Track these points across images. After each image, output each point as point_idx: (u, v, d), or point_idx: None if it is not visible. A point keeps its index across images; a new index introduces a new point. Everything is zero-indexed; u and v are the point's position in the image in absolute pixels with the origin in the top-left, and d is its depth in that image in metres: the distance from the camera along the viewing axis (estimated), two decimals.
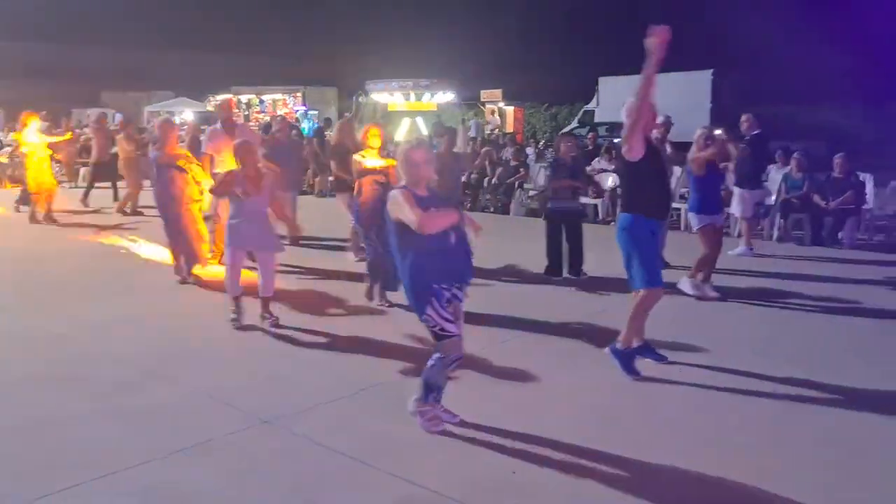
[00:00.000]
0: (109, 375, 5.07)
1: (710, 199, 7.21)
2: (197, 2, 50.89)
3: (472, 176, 13.90)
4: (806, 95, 28.50)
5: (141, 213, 12.45)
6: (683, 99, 25.35)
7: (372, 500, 3.50)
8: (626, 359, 5.01)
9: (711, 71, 25.62)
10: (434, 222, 3.81)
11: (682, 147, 8.10)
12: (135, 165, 13.13)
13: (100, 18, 45.99)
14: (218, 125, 8.31)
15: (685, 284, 7.10)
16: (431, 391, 4.09)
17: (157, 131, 7.72)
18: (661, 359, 5.20)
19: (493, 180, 14.00)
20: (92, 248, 9.69)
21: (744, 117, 9.52)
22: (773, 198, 10.52)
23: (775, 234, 10.32)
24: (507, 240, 8.59)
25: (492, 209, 12.97)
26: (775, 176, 10.96)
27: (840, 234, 9.76)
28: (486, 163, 13.56)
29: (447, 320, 3.94)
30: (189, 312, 6.72)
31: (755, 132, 9.33)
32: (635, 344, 5.07)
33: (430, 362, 4.06)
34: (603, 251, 7.66)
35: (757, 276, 7.98)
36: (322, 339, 5.85)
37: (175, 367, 5.23)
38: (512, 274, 8.22)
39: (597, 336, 5.82)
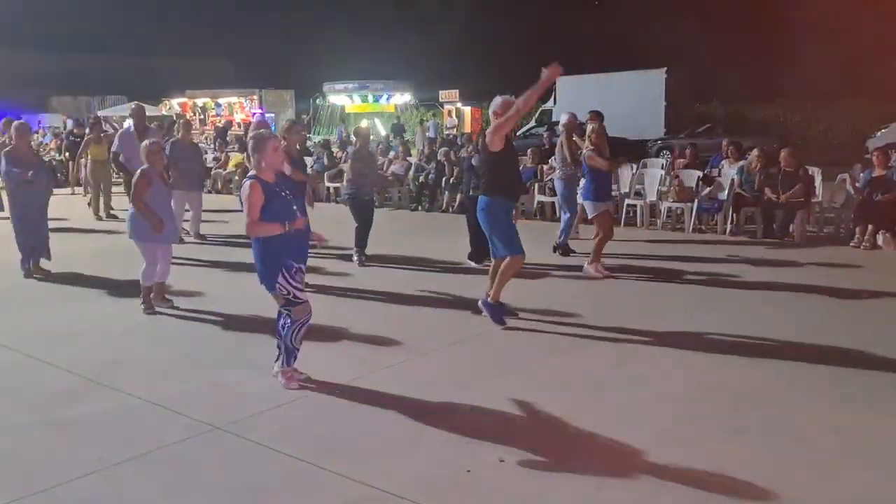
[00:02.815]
0: (48, 385, 4.90)
1: (601, 187, 7.91)
2: (149, 5, 49.97)
3: (430, 176, 13.86)
4: (757, 92, 29.10)
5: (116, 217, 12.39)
6: (638, 97, 25.73)
7: (322, 502, 3.42)
8: (495, 310, 6.03)
9: (665, 69, 25.96)
10: (258, 231, 4.40)
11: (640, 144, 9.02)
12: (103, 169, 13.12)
13: (50, 23, 44.85)
14: (130, 128, 9.10)
15: (589, 270, 7.82)
16: (291, 354, 4.65)
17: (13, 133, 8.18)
18: (514, 314, 6.17)
19: (452, 179, 13.97)
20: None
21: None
22: (726, 192, 10.68)
23: (728, 228, 10.47)
24: (463, 237, 8.64)
25: (451, 209, 12.92)
26: (727, 171, 11.13)
27: (791, 228, 9.94)
28: (445, 162, 13.53)
29: (297, 288, 4.51)
30: (131, 320, 6.54)
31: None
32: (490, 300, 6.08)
33: (283, 330, 4.61)
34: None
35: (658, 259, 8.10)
36: (268, 346, 5.72)
37: (117, 376, 5.06)
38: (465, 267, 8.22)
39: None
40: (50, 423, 4.30)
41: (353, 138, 13.77)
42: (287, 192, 4.53)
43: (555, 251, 8.96)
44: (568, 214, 9.07)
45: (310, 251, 4.87)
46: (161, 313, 6.60)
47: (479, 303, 6.21)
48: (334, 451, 3.88)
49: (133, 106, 10.34)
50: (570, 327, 6.03)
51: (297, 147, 8.12)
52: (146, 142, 6.83)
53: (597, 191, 7.87)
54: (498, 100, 6.01)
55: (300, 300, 4.54)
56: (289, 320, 4.58)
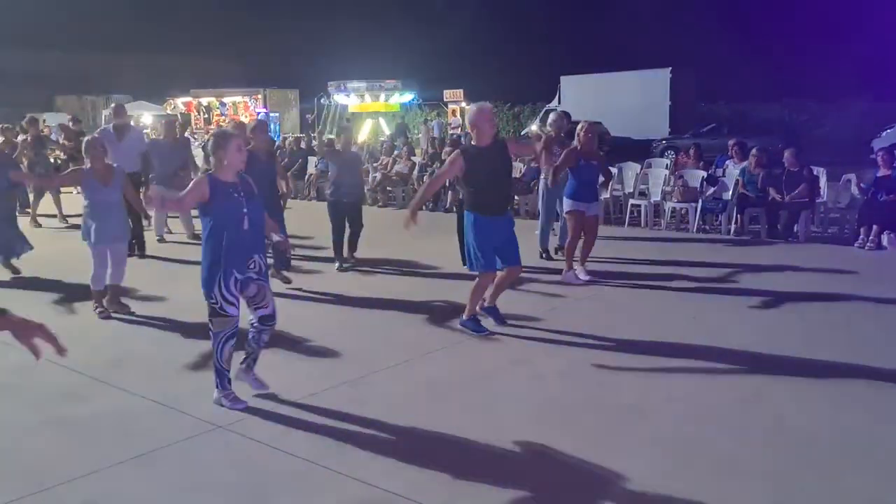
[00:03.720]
0: (55, 383, 4.92)
1: (582, 187, 7.68)
2: (155, 4, 50.06)
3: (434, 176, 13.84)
4: (762, 92, 29.04)
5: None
6: (642, 97, 25.72)
7: (324, 501, 3.43)
8: (473, 323, 5.88)
9: (669, 69, 25.92)
10: (170, 206, 4.75)
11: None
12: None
13: (54, 22, 44.97)
14: (109, 127, 9.06)
15: (580, 273, 7.63)
16: (222, 376, 4.45)
17: None
18: (502, 322, 6.02)
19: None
20: (35, 256, 9.42)
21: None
22: (730, 193, 10.66)
23: (732, 228, 10.44)
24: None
25: (455, 209, 12.85)
26: (732, 171, 11.10)
27: (796, 228, 9.92)
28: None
29: (228, 301, 4.33)
30: (137, 318, 6.55)
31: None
32: (486, 305, 6.03)
33: (253, 341, 4.56)
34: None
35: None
36: (275, 343, 5.74)
37: (121, 375, 5.09)
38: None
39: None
40: (53, 422, 4.32)
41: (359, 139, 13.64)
42: (241, 194, 4.36)
43: (541, 256, 8.78)
44: (542, 218, 8.92)
45: (293, 254, 4.82)
46: (162, 313, 6.61)
47: (458, 324, 5.98)
48: (337, 451, 3.89)
49: (112, 105, 10.44)
50: (569, 329, 6.01)
51: (265, 151, 7.64)
52: (87, 138, 6.77)
53: (576, 191, 7.65)
54: (472, 108, 5.93)
55: (224, 313, 4.33)
56: (211, 332, 4.39)
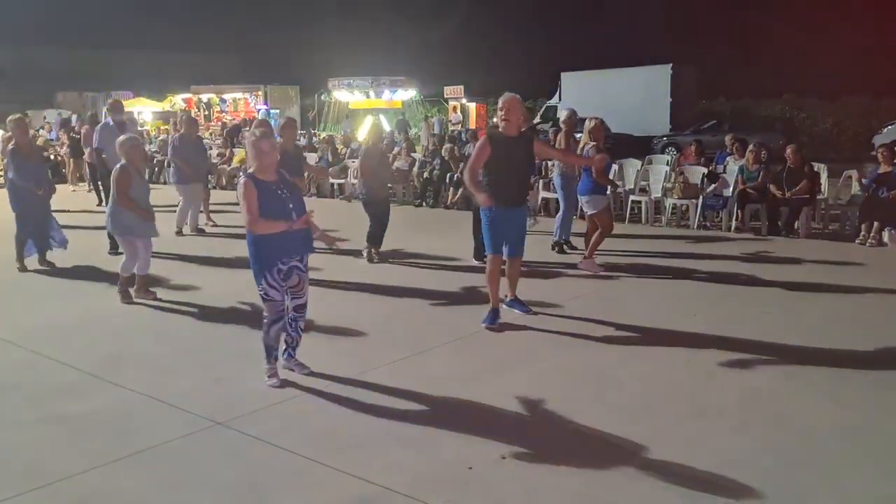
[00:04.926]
0: (53, 380, 4.91)
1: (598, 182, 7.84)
2: (155, 1, 50.02)
3: (435, 172, 13.83)
4: (764, 89, 28.99)
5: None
6: (643, 93, 25.67)
7: (323, 498, 3.42)
8: (491, 314, 5.92)
9: (670, 66, 25.86)
10: (261, 228, 4.46)
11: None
12: None
13: (54, 18, 44.93)
14: (110, 122, 9.04)
15: (586, 266, 7.84)
16: (268, 353, 4.73)
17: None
18: (528, 311, 6.19)
19: (456, 176, 13.94)
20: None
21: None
22: (731, 189, 10.64)
23: (733, 224, 10.42)
24: (466, 233, 8.61)
25: (455, 206, 12.86)
26: (732, 167, 11.08)
27: (797, 224, 9.90)
28: (450, 158, 13.50)
29: (272, 287, 4.57)
30: (133, 314, 6.55)
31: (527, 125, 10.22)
32: (508, 300, 6.24)
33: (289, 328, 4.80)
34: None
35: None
36: None
37: (119, 371, 5.07)
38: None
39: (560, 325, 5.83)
40: (51, 419, 4.31)
41: (359, 135, 13.64)
42: (285, 191, 4.58)
43: (553, 248, 8.92)
44: (563, 211, 9.01)
45: (315, 248, 4.90)
46: (160, 308, 6.63)
47: (504, 305, 6.20)
48: (335, 447, 3.87)
49: (110, 101, 10.45)
50: (573, 324, 6.00)
51: (294, 144, 8.13)
52: (123, 137, 6.91)
53: (595, 184, 7.80)
54: (506, 97, 5.88)
55: (269, 297, 4.61)
56: (264, 316, 4.69)
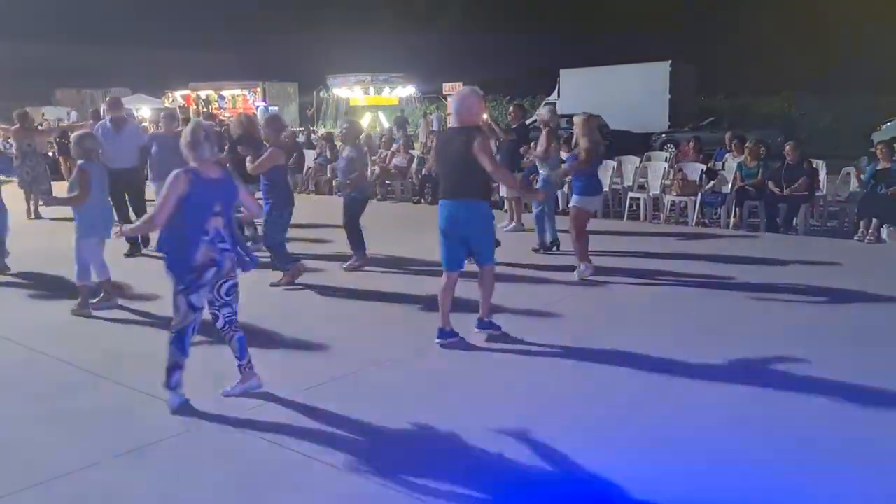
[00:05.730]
0: (51, 377, 4.91)
1: (593, 182, 7.69)
2: None
3: (433, 169, 13.82)
4: (762, 85, 28.96)
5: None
6: (642, 90, 25.65)
7: (319, 496, 3.43)
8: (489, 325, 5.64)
9: (669, 62, 25.85)
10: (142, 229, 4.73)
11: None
12: None
13: (52, 14, 44.80)
14: (106, 120, 9.03)
15: (585, 271, 7.47)
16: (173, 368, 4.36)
17: None
18: (499, 330, 5.67)
19: None
20: (34, 250, 9.41)
21: (511, 108, 10.97)
22: (729, 186, 10.64)
23: (731, 221, 10.43)
24: None
25: None
26: (731, 164, 11.08)
27: (795, 221, 9.90)
28: None
29: (191, 297, 4.30)
30: (131, 312, 6.54)
31: (518, 123, 10.31)
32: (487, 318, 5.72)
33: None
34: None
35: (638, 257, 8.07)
36: (266, 340, 5.74)
37: (117, 368, 5.07)
38: None
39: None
40: (50, 416, 4.31)
41: (339, 131, 13.24)
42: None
43: (538, 250, 8.72)
44: (538, 211, 8.80)
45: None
46: (160, 306, 6.60)
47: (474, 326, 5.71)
48: (332, 446, 3.88)
49: (108, 98, 10.36)
50: (568, 320, 6.01)
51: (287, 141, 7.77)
52: (76, 134, 6.76)
53: (587, 186, 7.56)
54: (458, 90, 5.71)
55: (193, 305, 4.41)
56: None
